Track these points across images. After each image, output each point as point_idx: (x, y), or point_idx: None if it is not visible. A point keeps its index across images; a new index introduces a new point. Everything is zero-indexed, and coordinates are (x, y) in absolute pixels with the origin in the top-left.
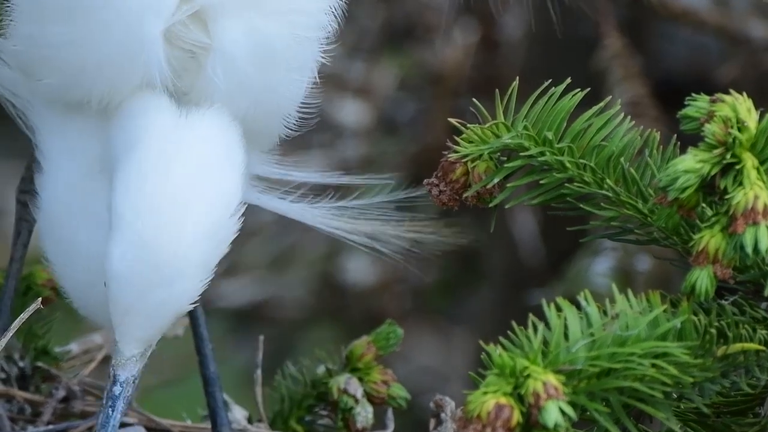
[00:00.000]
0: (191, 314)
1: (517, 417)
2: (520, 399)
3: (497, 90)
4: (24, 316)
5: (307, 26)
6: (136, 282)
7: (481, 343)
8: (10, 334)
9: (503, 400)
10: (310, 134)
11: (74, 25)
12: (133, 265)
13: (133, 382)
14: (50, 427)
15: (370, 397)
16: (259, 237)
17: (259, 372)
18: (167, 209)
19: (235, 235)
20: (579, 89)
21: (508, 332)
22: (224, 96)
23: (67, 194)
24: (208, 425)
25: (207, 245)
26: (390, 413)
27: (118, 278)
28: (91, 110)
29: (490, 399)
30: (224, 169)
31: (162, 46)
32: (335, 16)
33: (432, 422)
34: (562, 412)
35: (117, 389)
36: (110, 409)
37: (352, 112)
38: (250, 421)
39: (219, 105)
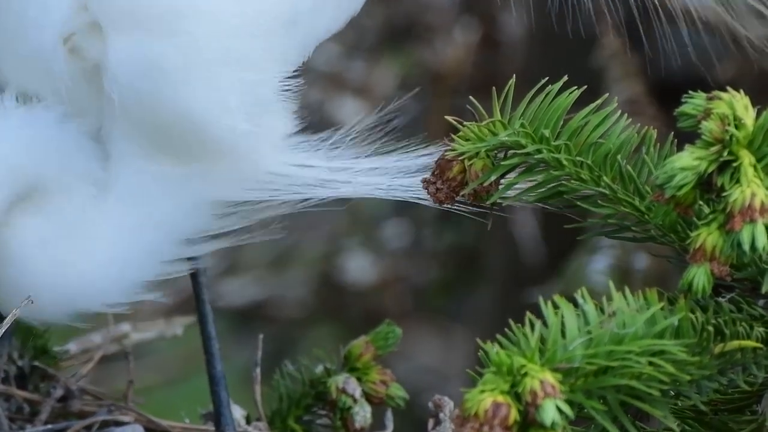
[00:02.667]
0: (199, 312)
1: (514, 415)
2: (518, 397)
3: (494, 88)
4: (16, 311)
5: (202, 49)
6: None
7: (479, 341)
8: (3, 328)
9: (500, 399)
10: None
11: None
12: None
13: None
14: (48, 426)
15: (368, 397)
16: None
17: (258, 371)
18: None
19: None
20: (576, 87)
21: (506, 330)
22: (123, 114)
23: None
24: (207, 426)
25: None
26: (389, 413)
27: None
28: None
29: (487, 397)
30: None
31: (62, 53)
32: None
33: (431, 422)
34: (560, 411)
35: None
36: None
37: (352, 111)
38: (248, 420)
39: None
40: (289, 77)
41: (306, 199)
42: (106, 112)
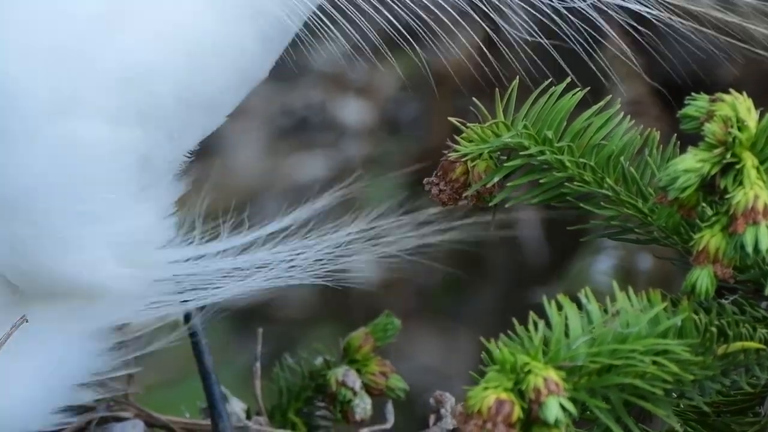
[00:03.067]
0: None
1: (517, 412)
2: (521, 395)
3: (497, 89)
4: (11, 331)
5: (55, 221)
6: None
7: (482, 339)
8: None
9: (504, 396)
10: (312, 134)
11: None
12: None
13: None
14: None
15: (368, 389)
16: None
17: (257, 365)
18: None
19: None
20: (579, 88)
21: (509, 330)
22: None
23: None
24: (207, 421)
25: None
26: (390, 406)
27: None
28: None
29: (490, 394)
30: None
31: None
32: None
33: (432, 418)
34: (563, 408)
35: None
36: None
37: (354, 112)
38: (248, 414)
39: None
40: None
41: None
42: None
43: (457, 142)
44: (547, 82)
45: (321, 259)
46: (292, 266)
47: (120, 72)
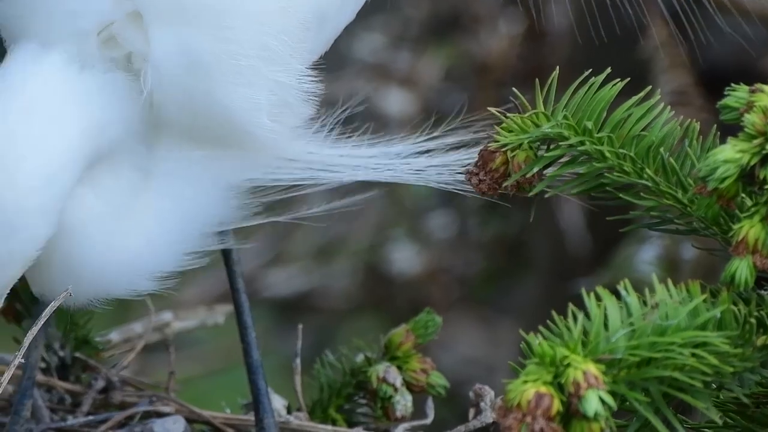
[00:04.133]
0: (235, 302)
1: (557, 406)
2: (560, 388)
3: (537, 80)
4: (54, 304)
5: (242, 46)
6: None
7: (522, 332)
8: (40, 323)
9: (543, 389)
10: (355, 125)
11: None
12: None
13: None
14: (90, 417)
15: (409, 386)
16: (304, 227)
17: (298, 361)
18: (2, 154)
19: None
20: (619, 79)
21: (549, 322)
22: (160, 104)
23: None
24: (248, 416)
25: (44, 192)
26: (430, 402)
27: None
28: None
29: (530, 388)
30: (66, 122)
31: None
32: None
33: (471, 411)
34: (602, 402)
35: None
36: None
37: (397, 102)
38: (289, 410)
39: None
40: (312, 70)
41: (324, 183)
42: (144, 102)
43: (496, 132)
44: (587, 73)
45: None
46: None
47: None
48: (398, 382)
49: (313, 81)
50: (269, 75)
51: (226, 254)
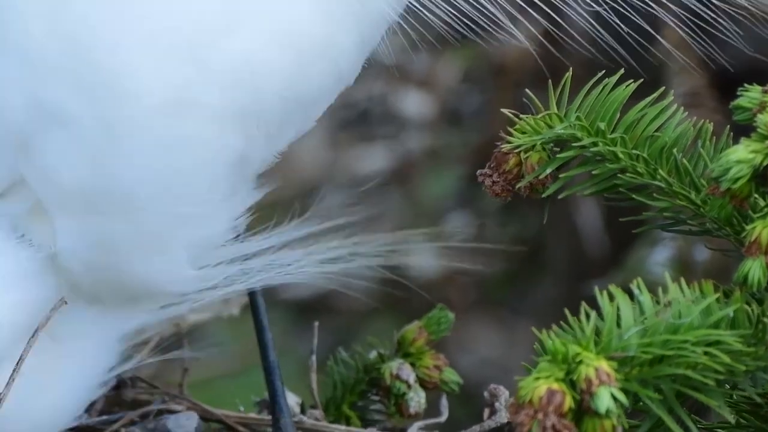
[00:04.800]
0: (252, 304)
1: (569, 402)
2: (572, 385)
3: (551, 81)
4: (51, 313)
5: (154, 222)
6: None
7: (534, 330)
8: (38, 334)
9: (555, 386)
10: (373, 126)
11: None
12: None
13: None
14: (104, 417)
15: (422, 382)
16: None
17: (313, 358)
18: None
19: None
20: (632, 80)
21: (561, 321)
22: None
23: None
24: (262, 415)
25: None
26: (444, 400)
27: None
28: None
29: (542, 384)
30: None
31: None
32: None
33: (486, 411)
34: (614, 399)
35: None
36: None
37: (415, 104)
38: (302, 408)
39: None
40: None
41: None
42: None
43: (510, 134)
44: (600, 74)
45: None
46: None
47: (231, 72)
48: (411, 378)
49: (245, 217)
50: (188, 237)
51: None
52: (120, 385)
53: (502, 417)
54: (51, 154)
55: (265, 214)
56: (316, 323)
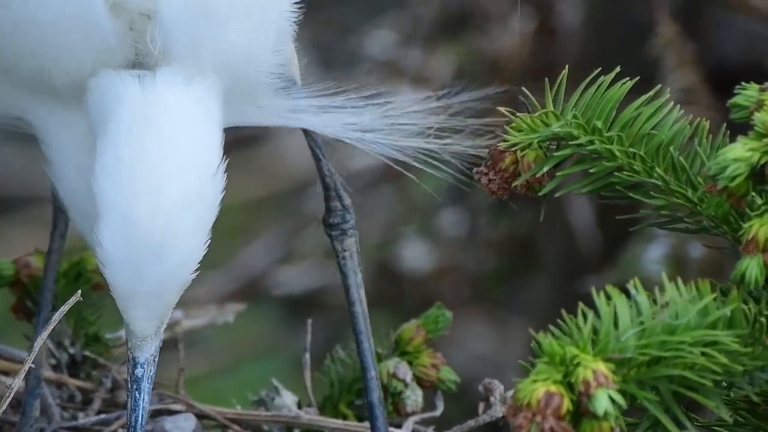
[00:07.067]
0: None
1: (567, 405)
2: (570, 387)
3: (547, 78)
4: (64, 308)
5: None
6: (130, 262)
7: (531, 331)
8: (51, 326)
9: (553, 388)
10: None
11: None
12: (124, 245)
13: (153, 361)
14: (102, 416)
15: (419, 381)
16: (315, 224)
17: (307, 356)
18: (145, 181)
19: (222, 194)
20: (629, 78)
21: (559, 321)
22: (178, 58)
23: (81, 177)
24: (258, 411)
25: (192, 211)
26: (439, 394)
27: (113, 263)
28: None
29: (540, 387)
30: (198, 128)
31: (107, 16)
32: None
33: (481, 406)
34: (612, 401)
35: (139, 371)
36: (136, 392)
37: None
38: (299, 405)
39: (175, 65)
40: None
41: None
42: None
43: (506, 132)
44: (596, 72)
45: None
46: None
47: None
48: (408, 377)
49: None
50: (267, 18)
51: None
52: (114, 386)
53: (497, 411)
54: None
55: (257, 212)
56: (310, 320)
